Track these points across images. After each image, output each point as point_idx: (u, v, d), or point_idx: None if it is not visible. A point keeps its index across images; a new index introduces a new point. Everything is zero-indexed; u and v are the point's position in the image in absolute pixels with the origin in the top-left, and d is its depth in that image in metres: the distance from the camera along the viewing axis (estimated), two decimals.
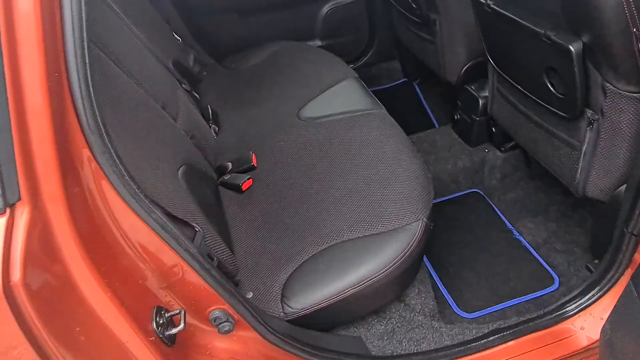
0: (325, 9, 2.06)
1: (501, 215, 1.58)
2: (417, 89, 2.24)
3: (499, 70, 1.33)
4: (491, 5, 1.16)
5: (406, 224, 1.08)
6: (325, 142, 1.35)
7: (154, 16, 1.68)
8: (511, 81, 1.28)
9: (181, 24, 1.92)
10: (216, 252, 0.99)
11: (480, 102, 1.62)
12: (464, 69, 1.65)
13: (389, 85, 2.31)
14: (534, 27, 1.04)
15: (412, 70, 2.25)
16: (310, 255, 1.08)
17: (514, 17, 1.09)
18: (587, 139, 1.09)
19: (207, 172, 1.30)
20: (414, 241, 1.06)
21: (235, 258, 1.11)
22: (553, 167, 1.26)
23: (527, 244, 1.48)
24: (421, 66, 1.97)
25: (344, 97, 1.53)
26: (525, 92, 1.22)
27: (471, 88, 1.67)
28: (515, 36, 1.14)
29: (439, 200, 1.66)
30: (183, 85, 1.50)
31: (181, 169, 1.12)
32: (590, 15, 0.87)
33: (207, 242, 0.96)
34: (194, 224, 0.90)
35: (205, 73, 1.92)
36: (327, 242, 1.09)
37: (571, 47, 0.96)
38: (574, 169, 1.16)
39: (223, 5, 1.93)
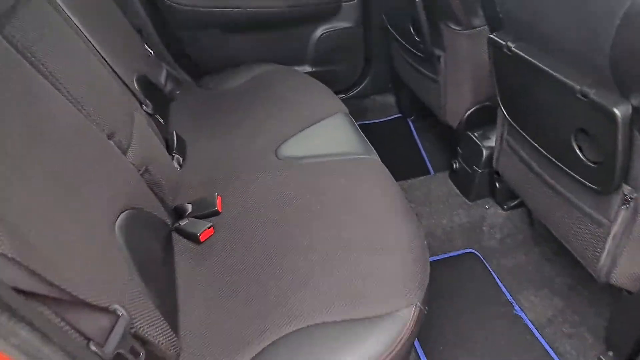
0: (319, 32, 1.87)
1: (500, 284, 1.38)
2: (412, 127, 2.06)
3: (512, 122, 1.14)
4: (512, 48, 0.97)
5: (396, 310, 0.86)
6: (305, 190, 1.14)
7: (121, 25, 1.46)
8: (526, 136, 1.09)
9: (155, 36, 1.71)
10: (150, 334, 0.76)
11: (484, 152, 1.44)
12: (468, 113, 1.47)
13: (381, 120, 2.13)
14: (567, 81, 0.85)
15: (408, 105, 2.07)
16: (272, 339, 0.85)
17: (541, 66, 0.90)
18: (619, 219, 0.90)
19: (159, 215, 1.07)
20: (405, 332, 0.84)
21: (179, 335, 0.88)
22: (571, 244, 1.07)
23: (529, 323, 1.27)
24: (418, 102, 1.79)
25: (331, 136, 1.32)
26: (544, 151, 1.03)
27: (474, 135, 1.48)
28: (539, 87, 0.95)
29: (430, 259, 1.45)
30: (144, 108, 1.28)
31: (122, 216, 0.90)
32: None
33: (138, 323, 0.73)
34: (117, 307, 0.67)
35: (178, 92, 1.71)
36: (295, 324, 0.87)
37: (616, 111, 0.77)
38: (598, 250, 0.97)
39: (205, 19, 1.73)
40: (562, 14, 0.82)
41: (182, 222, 1.12)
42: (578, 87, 0.82)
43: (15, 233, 0.58)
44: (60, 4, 1.10)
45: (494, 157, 1.34)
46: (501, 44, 1.00)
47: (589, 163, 0.90)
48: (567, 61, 0.86)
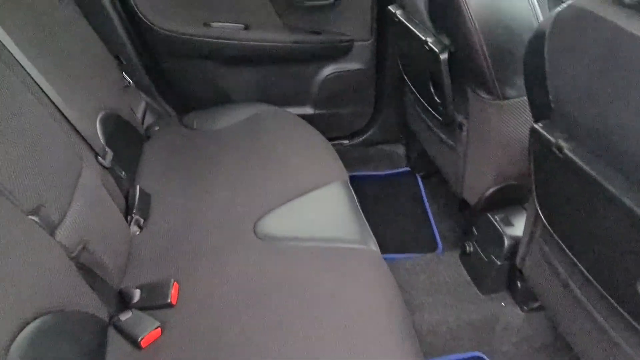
0: (326, 72, 1.65)
1: None
2: (421, 186, 1.83)
3: (551, 229, 0.91)
4: (564, 150, 0.74)
5: None
6: (282, 284, 0.91)
7: (91, 52, 1.25)
8: (568, 252, 0.86)
9: (136, 62, 1.49)
10: None
11: (506, 242, 1.20)
12: (490, 191, 1.24)
13: (386, 173, 1.90)
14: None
15: (418, 160, 1.84)
16: None
17: (605, 185, 0.67)
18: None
19: (92, 310, 0.84)
20: None
21: None
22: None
23: None
24: (430, 159, 1.56)
25: (323, 213, 1.09)
26: (595, 283, 0.79)
27: (495, 219, 1.25)
28: (597, 208, 0.71)
29: None
30: (100, 159, 1.05)
31: (29, 328, 0.67)
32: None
33: None
34: None
35: (157, 128, 1.49)
36: None
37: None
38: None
39: (195, 47, 1.51)
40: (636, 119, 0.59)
41: (123, 317, 0.89)
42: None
43: None
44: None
45: (519, 255, 1.11)
46: (549, 140, 0.77)
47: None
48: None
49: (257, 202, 1.12)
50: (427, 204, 1.72)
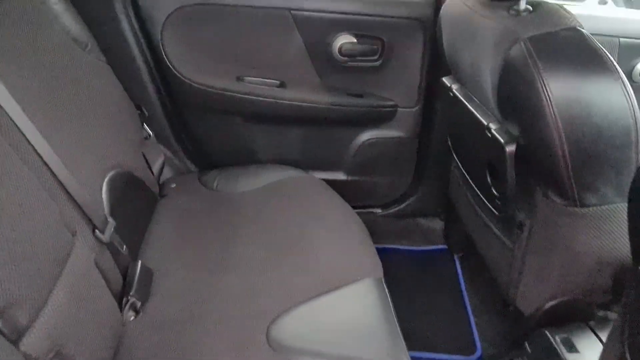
0: (363, 138, 1.50)
1: None
2: (459, 269, 1.63)
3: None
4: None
5: None
6: None
7: (109, 100, 1.13)
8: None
9: (160, 113, 1.38)
10: None
11: None
12: (549, 305, 1.04)
13: (421, 249, 1.71)
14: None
15: (458, 240, 1.65)
16: None
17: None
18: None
19: None
20: None
21: None
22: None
23: None
24: (470, 240, 1.37)
25: (350, 321, 0.91)
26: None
27: (554, 339, 1.04)
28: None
29: None
30: (97, 234, 0.91)
31: None
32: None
33: None
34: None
35: (174, 185, 1.36)
36: None
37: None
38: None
39: (226, 102, 1.39)
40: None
41: None
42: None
43: None
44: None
45: None
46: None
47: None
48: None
49: (274, 296, 0.95)
50: (465, 294, 1.52)
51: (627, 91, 0.77)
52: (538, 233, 0.98)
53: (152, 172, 1.27)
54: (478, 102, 1.02)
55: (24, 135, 0.78)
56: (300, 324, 0.90)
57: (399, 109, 1.45)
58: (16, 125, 0.77)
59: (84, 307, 0.79)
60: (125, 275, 0.99)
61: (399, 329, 0.93)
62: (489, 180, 1.05)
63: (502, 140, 0.91)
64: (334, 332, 0.88)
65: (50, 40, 0.98)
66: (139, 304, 0.96)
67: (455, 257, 1.66)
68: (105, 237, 0.91)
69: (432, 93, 1.42)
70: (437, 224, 1.72)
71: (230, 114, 1.42)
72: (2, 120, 0.75)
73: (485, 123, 0.96)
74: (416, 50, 1.36)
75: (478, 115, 0.99)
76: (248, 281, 1.00)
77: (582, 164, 0.82)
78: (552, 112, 0.78)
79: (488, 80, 0.90)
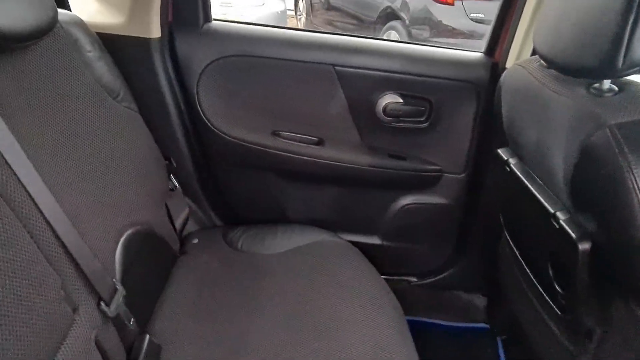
0: (404, 202, 1.39)
1: None
2: (500, 350, 1.45)
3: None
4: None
5: None
6: None
7: (135, 150, 1.06)
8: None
9: (189, 165, 1.30)
10: None
11: None
12: None
13: (460, 325, 1.55)
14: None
15: (501, 319, 1.48)
16: None
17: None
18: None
19: None
20: None
21: None
22: None
23: None
24: (517, 321, 1.21)
25: None
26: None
27: None
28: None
29: None
30: (103, 307, 0.81)
31: None
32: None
33: None
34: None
35: (196, 241, 1.27)
36: None
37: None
38: None
39: (259, 157, 1.30)
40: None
41: None
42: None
43: None
44: (6, 144, 0.69)
45: None
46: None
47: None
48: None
49: None
50: None
51: None
52: (612, 347, 0.82)
53: (175, 227, 1.19)
54: (540, 182, 0.89)
55: (29, 194, 0.70)
56: None
57: (444, 174, 1.33)
58: (21, 183, 0.69)
59: None
60: (130, 350, 0.88)
61: None
62: (551, 273, 0.91)
63: (574, 236, 0.77)
64: None
65: (79, 88, 0.92)
66: None
67: (498, 339, 1.49)
68: (111, 311, 0.81)
69: (482, 161, 1.30)
70: (480, 301, 1.55)
71: (262, 169, 1.33)
72: (4, 174, 0.67)
73: (552, 211, 0.82)
74: (467, 114, 1.26)
75: (542, 200, 0.86)
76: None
77: None
78: None
79: (560, 165, 0.78)
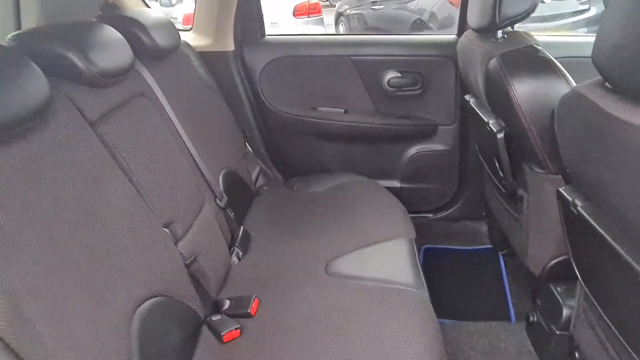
0: (412, 151, 1.89)
1: None
2: (502, 263, 1.88)
3: (584, 285, 0.98)
4: (578, 208, 0.86)
5: None
6: (341, 311, 1.09)
7: (225, 127, 1.66)
8: (600, 309, 0.92)
9: (258, 136, 1.89)
10: None
11: (565, 312, 1.23)
12: (552, 263, 1.30)
13: (468, 248, 1.98)
14: (633, 263, 0.71)
15: (500, 238, 1.91)
16: None
17: (605, 235, 0.78)
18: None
19: (192, 305, 1.11)
20: None
21: None
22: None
23: None
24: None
25: (385, 260, 1.27)
26: (622, 340, 0.85)
27: (556, 289, 1.29)
28: (608, 261, 0.81)
29: None
30: (217, 201, 1.39)
31: (147, 303, 0.95)
32: None
33: None
34: None
35: (266, 188, 1.83)
36: None
37: None
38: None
39: (301, 126, 1.87)
40: (619, 183, 0.71)
41: (215, 317, 1.14)
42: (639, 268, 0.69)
43: (18, 310, 0.66)
44: (166, 106, 1.30)
45: (572, 320, 1.15)
46: (568, 200, 0.89)
47: None
48: (633, 235, 0.73)
49: (331, 248, 1.34)
50: (505, 280, 1.76)
51: (569, 83, 1.09)
52: (532, 202, 1.28)
53: (251, 177, 1.76)
54: (485, 108, 1.37)
55: (178, 132, 1.30)
56: (349, 263, 1.27)
57: (439, 126, 1.82)
58: (175, 126, 1.29)
59: (209, 240, 1.25)
60: (233, 234, 1.44)
61: (420, 269, 1.26)
62: (497, 166, 1.38)
63: (495, 130, 1.25)
64: (373, 266, 1.24)
65: (195, 83, 1.54)
66: (241, 253, 1.40)
67: (500, 254, 1.91)
68: (222, 204, 1.39)
69: (465, 114, 1.78)
70: (483, 227, 1.99)
71: (307, 135, 1.89)
72: (168, 122, 1.27)
73: (486, 120, 1.31)
74: (449, 80, 1.75)
75: (482, 116, 1.34)
76: (315, 241, 1.40)
77: (548, 140, 1.13)
78: (519, 105, 1.12)
79: (480, 88, 1.27)
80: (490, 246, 1.96)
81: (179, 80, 1.44)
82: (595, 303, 0.93)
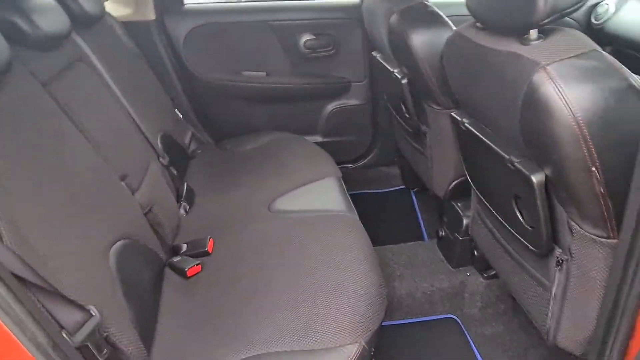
0: (330, 107, 2.10)
1: (475, 351, 1.42)
2: (414, 198, 2.18)
3: (476, 190, 1.26)
4: (465, 124, 1.12)
5: (340, 345, 0.95)
6: (286, 239, 1.27)
7: (155, 93, 1.73)
8: (487, 205, 1.20)
9: (185, 102, 1.98)
10: (121, 341, 0.89)
11: (464, 221, 1.54)
12: (452, 184, 1.59)
13: (385, 190, 2.26)
14: (501, 152, 0.98)
15: (410, 178, 2.20)
16: None
17: (485, 140, 1.04)
18: (556, 281, 0.97)
19: (155, 250, 1.23)
20: None
21: (151, 350, 1.00)
22: (525, 306, 1.13)
23: None
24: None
25: (319, 195, 1.47)
26: (500, 218, 1.13)
27: (457, 205, 1.59)
28: (486, 159, 1.08)
29: (408, 320, 1.51)
30: (161, 160, 1.49)
31: (118, 244, 1.06)
32: (548, 149, 0.81)
33: (111, 329, 0.87)
34: (92, 308, 0.82)
35: (200, 151, 1.94)
36: (251, 351, 0.97)
37: (533, 178, 0.88)
38: (545, 312, 1.03)
39: (228, 90, 2.00)
40: (489, 98, 0.97)
41: (175, 259, 1.28)
42: (507, 157, 0.95)
43: (19, 232, 0.76)
44: (103, 72, 1.37)
45: (470, 225, 1.44)
46: (458, 120, 1.15)
47: (527, 226, 1.00)
48: (502, 136, 0.99)
49: (270, 191, 1.51)
50: (418, 211, 2.06)
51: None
52: (433, 135, 1.54)
53: (185, 141, 1.86)
54: (390, 61, 1.60)
55: (118, 97, 1.38)
56: (288, 201, 1.46)
57: (352, 83, 2.04)
58: (116, 92, 1.37)
59: (160, 193, 1.36)
60: (178, 190, 1.56)
61: (349, 197, 1.47)
62: (403, 109, 1.62)
63: (399, 77, 1.49)
64: (309, 201, 1.44)
65: (123, 51, 1.60)
66: (187, 206, 1.52)
67: (412, 192, 2.21)
68: (165, 162, 1.50)
69: (373, 71, 2.01)
70: (395, 170, 2.28)
71: (233, 98, 2.02)
72: (109, 89, 1.35)
73: (391, 70, 1.54)
74: (357, 40, 1.97)
75: (388, 67, 1.57)
76: (254, 188, 1.56)
77: (442, 79, 1.38)
78: (417, 53, 1.36)
79: (385, 41, 1.49)
80: (404, 186, 2.26)
81: (109, 48, 1.50)
82: (481, 196, 1.21)
